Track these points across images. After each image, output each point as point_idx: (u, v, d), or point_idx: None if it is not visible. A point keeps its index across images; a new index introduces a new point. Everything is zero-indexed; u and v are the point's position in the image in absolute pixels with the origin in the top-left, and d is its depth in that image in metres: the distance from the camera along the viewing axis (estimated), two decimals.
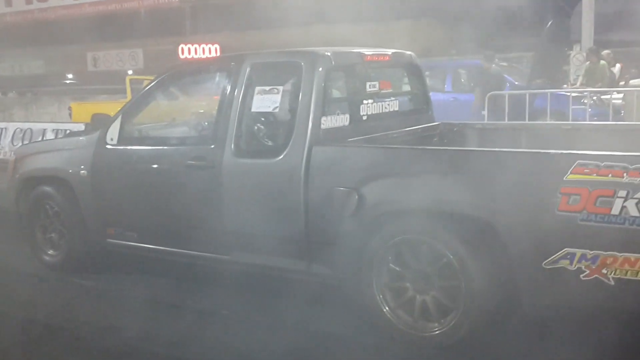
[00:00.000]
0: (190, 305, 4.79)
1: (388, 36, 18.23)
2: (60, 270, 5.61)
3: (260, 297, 4.86)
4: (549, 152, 3.63)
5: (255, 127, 4.60)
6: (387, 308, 4.04)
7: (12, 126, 12.01)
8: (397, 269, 4.02)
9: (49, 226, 5.71)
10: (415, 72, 5.58)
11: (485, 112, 9.96)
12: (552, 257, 3.50)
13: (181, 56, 12.95)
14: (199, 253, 4.87)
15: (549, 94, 9.98)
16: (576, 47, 14.61)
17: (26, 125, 11.85)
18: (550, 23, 13.71)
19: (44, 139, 10.46)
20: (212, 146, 4.65)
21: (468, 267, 3.71)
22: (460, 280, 3.74)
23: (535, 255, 3.54)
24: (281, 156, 4.36)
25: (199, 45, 13.49)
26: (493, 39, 17.78)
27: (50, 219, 5.68)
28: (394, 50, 5.34)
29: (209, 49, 13.46)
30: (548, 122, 8.55)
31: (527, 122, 8.54)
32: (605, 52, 12.59)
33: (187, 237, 4.91)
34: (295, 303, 4.71)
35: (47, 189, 5.64)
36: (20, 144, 10.58)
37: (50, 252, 5.71)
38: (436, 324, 3.89)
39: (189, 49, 13.24)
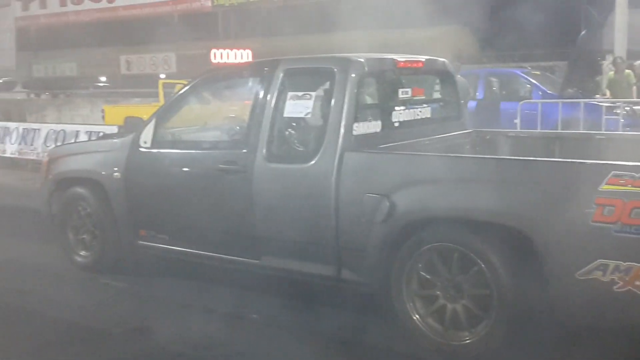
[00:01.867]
0: (220, 309, 4.81)
1: (418, 43, 18.17)
2: (91, 271, 5.69)
3: (290, 302, 4.87)
4: (584, 162, 3.59)
5: (287, 132, 4.62)
6: (417, 316, 4.02)
7: (45, 127, 12.21)
8: (428, 276, 4.00)
9: (81, 227, 5.79)
10: (448, 79, 5.55)
11: (517, 121, 9.87)
12: (585, 268, 3.45)
13: (213, 61, 13.02)
14: (229, 257, 4.90)
15: (582, 103, 9.85)
16: (609, 57, 14.42)
17: (59, 127, 12.04)
18: (583, 33, 13.57)
19: (77, 140, 10.62)
20: (244, 150, 4.67)
21: (500, 276, 3.68)
22: (492, 289, 3.71)
23: (569, 266, 3.50)
24: (313, 161, 4.37)
25: (231, 50, 13.57)
26: (525, 47, 17.62)
27: (83, 220, 5.75)
28: (427, 57, 5.32)
29: (241, 54, 13.52)
30: (581, 131, 8.43)
31: (560, 131, 8.44)
32: (637, 62, 12.39)
33: (217, 241, 4.94)
34: (325, 309, 4.71)
35: (80, 190, 5.72)
36: (53, 146, 10.74)
37: (82, 253, 5.79)
38: (467, 333, 3.86)
39: (221, 54, 13.32)
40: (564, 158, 4.00)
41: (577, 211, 3.46)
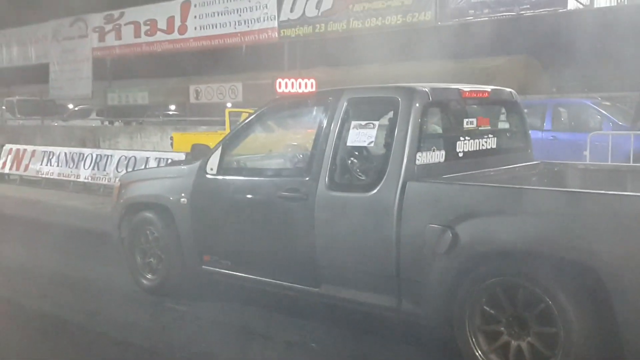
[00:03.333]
0: (279, 336, 4.82)
1: (483, 73, 18.00)
2: (157, 294, 5.81)
3: (349, 332, 4.84)
4: None
5: (350, 161, 4.63)
6: (479, 352, 3.92)
7: (117, 154, 12.66)
8: (491, 311, 3.90)
9: (148, 251, 5.94)
10: (514, 109, 5.47)
11: (587, 153, 9.59)
12: None
13: (278, 90, 13.25)
14: (289, 284, 4.92)
15: None
16: None
17: (130, 153, 12.46)
18: None
19: (147, 166, 10.95)
20: (307, 178, 4.71)
21: (567, 314, 3.55)
22: (559, 327, 3.58)
23: None
24: (375, 191, 4.36)
25: (296, 80, 13.78)
26: (595, 77, 17.21)
27: (150, 244, 5.90)
28: (493, 87, 5.26)
29: (305, 83, 13.72)
30: None
31: (631, 164, 8.15)
32: None
33: (277, 267, 4.97)
34: (384, 340, 4.66)
35: (149, 214, 5.88)
36: (124, 171, 11.11)
37: (149, 276, 5.93)
38: None
39: (286, 83, 13.54)
40: (636, 192, 3.84)
41: None
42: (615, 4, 15.70)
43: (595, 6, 15.71)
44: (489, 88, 5.19)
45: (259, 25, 21.11)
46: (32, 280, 6.59)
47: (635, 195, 3.76)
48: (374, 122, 4.56)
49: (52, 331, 5.13)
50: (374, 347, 4.59)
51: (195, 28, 22.93)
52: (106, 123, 25.39)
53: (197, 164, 5.56)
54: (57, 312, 5.51)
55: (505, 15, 16.42)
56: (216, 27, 22.28)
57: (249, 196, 5.18)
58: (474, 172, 4.69)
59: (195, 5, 22.88)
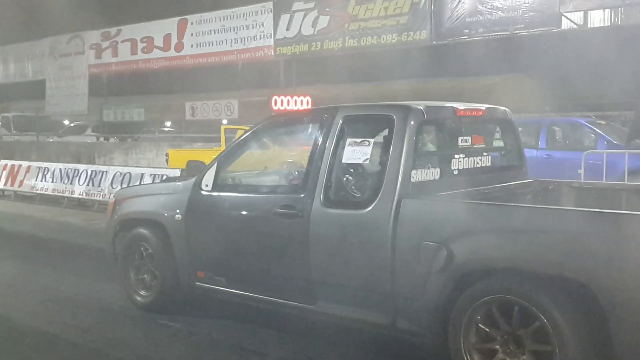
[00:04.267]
0: (274, 353, 4.79)
1: (478, 92, 18.09)
2: (150, 310, 5.78)
3: (344, 349, 4.81)
4: None
5: (345, 178, 4.64)
6: None
7: (112, 170, 12.62)
8: (487, 329, 3.89)
9: (142, 267, 5.91)
10: (509, 127, 5.50)
11: (581, 171, 9.62)
12: None
13: (274, 107, 13.32)
14: (284, 301, 4.90)
15: None
16: None
17: (125, 170, 12.43)
18: None
19: (142, 183, 10.92)
20: (302, 195, 4.71)
21: (563, 333, 3.54)
22: (554, 345, 3.57)
23: (636, 324, 3.35)
24: (370, 208, 4.36)
25: (292, 97, 13.85)
26: (590, 96, 17.31)
27: (144, 260, 5.88)
28: (487, 106, 5.29)
29: (301, 100, 13.79)
30: None
31: (626, 182, 8.17)
32: None
33: (272, 284, 4.96)
34: (379, 357, 4.63)
35: (143, 231, 5.86)
36: (119, 187, 11.08)
37: (142, 292, 5.89)
38: None
39: (282, 101, 13.62)
40: (631, 210, 3.85)
41: None
42: (609, 24, 15.84)
43: (589, 26, 15.85)
44: (483, 106, 5.22)
45: (256, 43, 21.23)
46: (25, 296, 6.54)
47: (629, 214, 3.77)
48: (369, 139, 4.58)
49: (44, 348, 5.08)
50: None
51: (192, 45, 23.05)
52: (101, 139, 25.40)
53: (192, 180, 5.56)
54: (50, 329, 5.46)
55: (499, 34, 16.55)
56: (213, 44, 22.39)
57: (244, 213, 5.17)
58: (468, 189, 4.70)
59: (192, 23, 23.02)
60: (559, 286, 3.61)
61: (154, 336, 5.28)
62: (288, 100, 13.76)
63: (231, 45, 21.84)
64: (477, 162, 5.03)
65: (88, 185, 12.73)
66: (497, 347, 3.85)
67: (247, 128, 5.76)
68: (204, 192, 5.39)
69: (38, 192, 13.77)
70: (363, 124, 4.79)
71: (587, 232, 3.58)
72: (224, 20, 22.00)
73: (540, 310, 3.62)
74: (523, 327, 3.74)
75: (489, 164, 5.15)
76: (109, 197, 8.78)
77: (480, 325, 3.90)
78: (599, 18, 15.87)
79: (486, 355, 3.90)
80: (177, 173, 10.36)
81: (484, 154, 5.13)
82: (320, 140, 4.78)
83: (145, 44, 24.55)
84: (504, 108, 5.49)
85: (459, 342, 3.95)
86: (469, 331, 3.93)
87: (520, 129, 5.77)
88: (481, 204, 4.32)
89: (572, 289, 3.55)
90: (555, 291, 3.63)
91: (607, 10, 15.77)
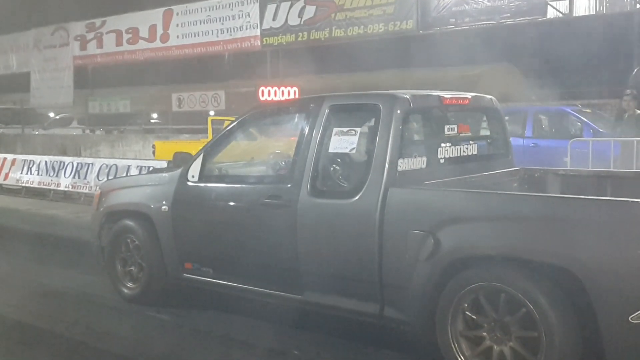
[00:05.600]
0: (261, 344, 4.79)
1: (465, 81, 18.12)
2: (137, 302, 5.75)
3: (332, 339, 4.82)
4: (637, 202, 3.47)
5: (332, 168, 4.63)
6: (462, 357, 3.92)
7: (98, 162, 12.54)
8: (473, 317, 3.91)
9: (129, 259, 5.88)
10: (495, 116, 5.50)
11: (567, 159, 9.67)
12: (639, 312, 3.32)
13: (261, 98, 13.25)
14: (272, 291, 4.89)
15: (634, 142, 9.60)
16: None
17: (111, 162, 12.36)
18: (636, 70, 13.32)
19: (128, 174, 10.85)
20: (289, 185, 4.70)
21: (549, 318, 3.56)
22: (541, 331, 3.59)
23: (621, 309, 3.37)
24: (357, 197, 4.35)
25: (279, 88, 13.79)
26: (576, 85, 17.39)
27: (131, 252, 5.85)
28: (473, 94, 5.29)
29: (289, 91, 13.73)
30: (634, 170, 8.19)
31: (611, 169, 8.22)
32: None
33: (260, 275, 4.95)
34: (367, 347, 4.65)
35: (129, 223, 5.82)
36: (105, 179, 11.01)
37: (129, 284, 5.86)
38: None
39: (269, 91, 13.55)
40: (616, 197, 3.87)
41: (630, 252, 3.35)
42: (594, 12, 15.90)
43: (574, 15, 15.91)
44: (469, 95, 5.23)
45: (242, 33, 21.15)
46: (11, 289, 6.50)
47: (614, 200, 3.79)
48: (355, 128, 4.57)
49: (31, 341, 5.05)
50: (356, 353, 4.57)
51: (178, 36, 22.92)
52: (87, 131, 25.22)
53: (179, 171, 5.52)
54: (37, 322, 5.43)
55: (485, 23, 16.58)
56: (199, 35, 22.28)
57: (230, 203, 5.15)
58: (455, 178, 4.71)
59: (177, 14, 22.88)
60: (545, 273, 3.63)
61: (141, 328, 5.27)
62: (275, 91, 13.69)
63: (217, 36, 21.74)
64: (464, 151, 5.03)
65: (74, 177, 12.64)
66: (484, 334, 3.86)
67: (234, 119, 5.73)
68: (190, 183, 5.36)
69: (24, 185, 13.67)
70: (349, 113, 4.78)
71: (572, 219, 3.59)
72: (209, 10, 21.87)
73: (527, 297, 3.63)
74: (510, 314, 3.75)
75: (475, 153, 5.16)
76: (95, 190, 8.71)
77: (467, 312, 3.92)
78: (584, 7, 15.93)
79: (473, 343, 3.91)
80: (164, 165, 10.31)
81: (470, 142, 5.13)
82: (306, 130, 4.76)
83: (130, 35, 24.39)
84: (490, 96, 5.49)
85: (446, 330, 3.97)
86: (456, 319, 3.95)
87: (506, 117, 5.78)
88: (467, 192, 4.33)
89: (558, 275, 3.57)
90: (541, 278, 3.65)
91: None
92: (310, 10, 19.57)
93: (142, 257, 5.72)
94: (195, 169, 5.34)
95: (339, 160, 4.62)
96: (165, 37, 23.28)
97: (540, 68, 18.83)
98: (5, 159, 14.46)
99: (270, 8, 20.39)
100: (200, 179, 5.31)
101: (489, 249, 3.83)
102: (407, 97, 4.55)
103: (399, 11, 17.79)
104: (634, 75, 13.48)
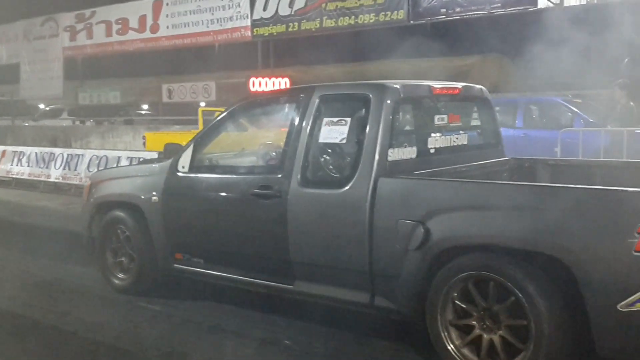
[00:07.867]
0: (253, 334, 4.80)
1: (456, 71, 18.13)
2: (128, 293, 5.75)
3: (323, 328, 4.83)
4: (626, 190, 3.49)
5: (322, 158, 4.63)
6: (451, 346, 3.94)
7: (88, 153, 12.51)
8: (463, 306, 3.93)
9: (119, 250, 5.87)
10: (485, 106, 5.51)
11: (558, 149, 9.71)
12: (627, 300, 3.35)
13: (252, 89, 13.21)
14: (262, 281, 4.90)
15: (624, 131, 9.64)
16: None
17: (102, 153, 12.33)
18: (626, 61, 13.35)
19: (119, 165, 10.82)
20: (279, 176, 4.70)
21: (538, 307, 3.58)
22: (530, 320, 3.62)
23: (610, 297, 3.40)
24: (347, 187, 4.36)
25: (269, 79, 13.76)
26: (566, 75, 17.41)
27: (121, 243, 5.84)
28: (463, 84, 5.30)
29: (279, 82, 13.70)
30: (623, 160, 8.25)
31: (601, 159, 8.26)
32: None
33: (251, 265, 4.95)
34: (358, 336, 4.66)
35: (120, 213, 5.81)
36: (95, 171, 10.97)
37: (120, 275, 5.86)
38: None
39: (260, 82, 13.51)
40: (606, 186, 3.89)
41: (618, 240, 3.37)
42: (585, 2, 15.92)
43: (565, 4, 15.92)
44: (459, 85, 5.23)
45: (232, 24, 21.05)
46: (2, 280, 6.48)
47: (603, 189, 3.81)
48: (345, 118, 4.57)
49: (23, 332, 5.05)
50: (347, 343, 4.59)
51: (168, 27, 22.79)
52: (78, 123, 25.09)
53: (169, 162, 5.51)
54: (28, 313, 5.42)
55: (476, 14, 16.57)
56: (189, 25, 22.17)
57: (221, 194, 5.15)
58: (445, 168, 4.72)
59: (167, 4, 22.73)
60: (534, 262, 3.65)
61: (132, 319, 5.26)
62: (266, 82, 13.65)
63: (207, 26, 21.64)
64: (454, 141, 5.04)
65: (64, 169, 12.60)
66: (474, 323, 3.89)
67: (224, 110, 5.71)
68: (180, 174, 5.35)
69: (14, 176, 13.61)
70: (339, 103, 4.77)
71: (562, 208, 3.61)
72: (199, 0, 21.75)
73: (516, 286, 3.66)
74: (499, 303, 3.78)
75: (465, 143, 5.17)
76: (86, 181, 8.68)
77: (456, 302, 3.94)
78: None
79: (463, 332, 3.94)
80: (155, 156, 10.27)
81: (461, 132, 5.14)
82: (297, 120, 4.76)
83: (120, 26, 24.24)
84: (480, 86, 5.50)
85: (436, 319, 3.99)
86: (445, 308, 3.97)
87: (497, 108, 5.79)
88: (457, 181, 4.33)
89: (547, 264, 3.59)
90: (530, 266, 3.67)
91: None
92: (300, 1, 19.49)
93: (133, 248, 5.71)
94: (185, 160, 5.33)
95: (329, 150, 4.62)
96: (155, 28, 23.15)
97: (531, 58, 18.83)
98: None
99: None
100: (191, 170, 5.30)
101: (477, 238, 3.85)
102: (397, 87, 4.55)
103: (390, 1, 17.76)
104: (625, 65, 13.50)
